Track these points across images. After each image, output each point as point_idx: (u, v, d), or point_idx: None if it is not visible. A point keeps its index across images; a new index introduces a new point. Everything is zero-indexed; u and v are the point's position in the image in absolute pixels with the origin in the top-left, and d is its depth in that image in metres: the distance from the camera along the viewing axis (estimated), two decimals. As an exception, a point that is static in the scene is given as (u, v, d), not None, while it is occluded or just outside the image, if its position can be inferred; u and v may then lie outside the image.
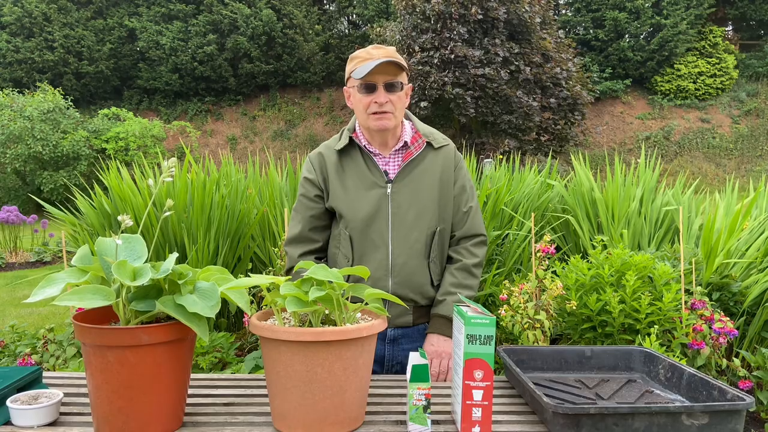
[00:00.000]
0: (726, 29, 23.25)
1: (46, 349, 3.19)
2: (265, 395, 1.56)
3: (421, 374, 1.32)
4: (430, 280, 2.01)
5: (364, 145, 1.99)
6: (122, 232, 1.36)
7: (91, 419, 1.34)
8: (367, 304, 1.41)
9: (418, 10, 15.75)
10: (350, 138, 2.01)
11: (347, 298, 1.39)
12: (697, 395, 1.44)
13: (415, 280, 1.97)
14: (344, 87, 2.03)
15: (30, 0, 20.95)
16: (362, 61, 1.89)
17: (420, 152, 2.01)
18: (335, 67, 22.99)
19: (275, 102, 23.15)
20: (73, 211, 4.31)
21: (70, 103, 16.92)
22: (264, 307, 1.48)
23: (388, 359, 2.04)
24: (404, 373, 2.02)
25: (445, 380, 1.96)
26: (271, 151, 20.02)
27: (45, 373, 1.71)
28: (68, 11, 21.56)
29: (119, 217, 1.26)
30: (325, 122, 22.33)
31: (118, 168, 4.09)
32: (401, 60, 1.90)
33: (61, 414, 1.42)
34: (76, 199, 4.11)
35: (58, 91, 16.83)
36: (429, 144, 2.03)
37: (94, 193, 4.05)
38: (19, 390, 1.46)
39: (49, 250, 9.12)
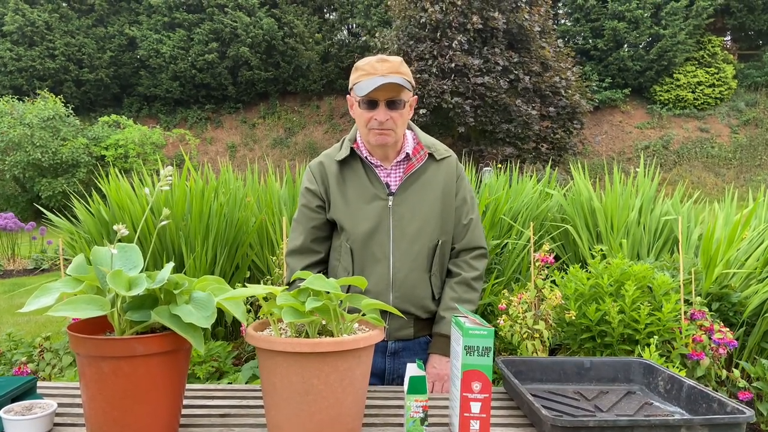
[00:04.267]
0: (725, 39, 23.34)
1: (42, 357, 3.17)
2: (261, 406, 1.55)
3: (418, 386, 1.31)
4: (431, 294, 1.98)
5: (366, 157, 1.96)
6: (118, 241, 1.35)
7: (86, 430, 1.32)
8: (364, 314, 1.40)
9: (413, 21, 15.81)
10: (351, 149, 1.98)
11: (344, 309, 1.38)
12: (697, 408, 1.42)
13: (416, 294, 1.95)
14: (348, 95, 2.00)
15: (32, 8, 21.04)
16: (366, 75, 1.86)
17: (422, 164, 1.98)
18: (335, 76, 23.05)
19: (275, 110, 23.19)
20: (71, 218, 4.30)
21: (71, 111, 16.94)
22: (261, 317, 1.47)
23: (389, 372, 2.02)
24: None
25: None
26: (270, 158, 20.06)
27: (39, 383, 1.69)
28: (69, 19, 21.65)
29: (114, 227, 1.25)
30: (325, 130, 22.36)
31: (117, 175, 4.08)
32: (406, 76, 1.87)
33: (55, 425, 1.41)
34: (74, 206, 4.10)
35: (60, 99, 16.86)
36: (431, 155, 2.00)
37: (92, 201, 4.04)
38: (13, 400, 1.45)
39: (47, 258, 9.09)
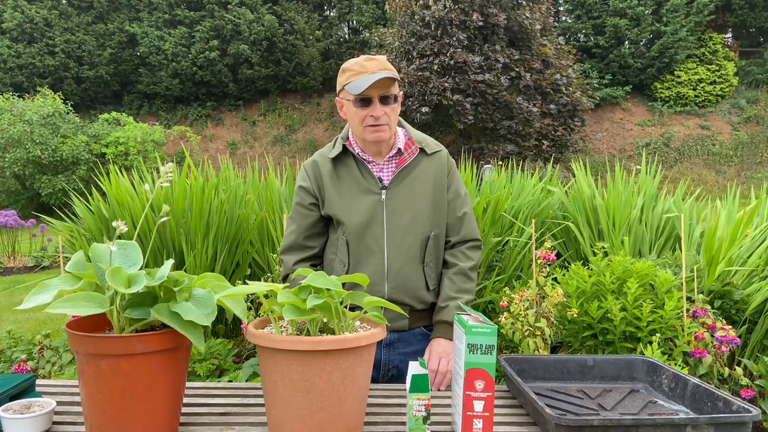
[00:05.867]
0: (726, 36, 23.29)
1: (42, 355, 3.16)
2: (262, 405, 1.53)
3: (420, 384, 1.30)
4: (426, 285, 2.01)
5: (358, 153, 2.01)
6: (118, 238, 1.34)
7: (85, 429, 1.31)
8: (366, 312, 1.38)
9: (417, 17, 15.78)
10: (344, 146, 2.02)
11: (346, 306, 1.37)
12: (702, 406, 1.41)
13: (410, 284, 1.98)
14: (336, 98, 2.03)
15: (31, 5, 21.01)
16: (356, 75, 1.89)
17: (413, 158, 2.03)
18: (335, 73, 22.95)
19: (275, 107, 23.16)
20: (71, 215, 4.29)
21: (70, 108, 16.91)
22: (262, 314, 1.45)
23: (384, 363, 2.04)
24: (400, 377, 2.03)
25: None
26: (270, 156, 20.04)
27: (39, 381, 1.68)
28: (69, 16, 21.61)
29: (113, 223, 1.24)
30: (325, 127, 22.34)
31: (117, 173, 4.06)
32: (395, 73, 1.91)
33: (54, 423, 1.39)
34: (74, 204, 4.09)
35: (59, 95, 16.83)
36: (422, 150, 2.05)
37: (92, 198, 4.03)
38: (12, 398, 1.44)
39: (47, 255, 9.08)
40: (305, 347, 1.20)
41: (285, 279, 2.05)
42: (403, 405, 1.55)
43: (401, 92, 2.01)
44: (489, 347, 1.27)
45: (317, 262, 2.10)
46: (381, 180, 2.00)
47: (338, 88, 1.99)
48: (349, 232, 1.97)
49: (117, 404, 1.21)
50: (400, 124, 2.09)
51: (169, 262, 1.27)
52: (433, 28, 15.61)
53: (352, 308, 1.45)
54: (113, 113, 17.95)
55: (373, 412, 1.49)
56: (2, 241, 9.30)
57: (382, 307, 1.90)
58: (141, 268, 1.27)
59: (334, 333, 1.32)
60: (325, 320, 1.36)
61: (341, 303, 1.33)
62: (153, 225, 3.72)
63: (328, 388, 1.23)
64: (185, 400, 1.54)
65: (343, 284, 1.88)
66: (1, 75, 20.92)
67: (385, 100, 1.90)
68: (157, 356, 1.23)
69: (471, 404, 1.28)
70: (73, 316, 1.68)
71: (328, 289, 1.29)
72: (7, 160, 15.24)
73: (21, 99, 16.57)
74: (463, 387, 1.28)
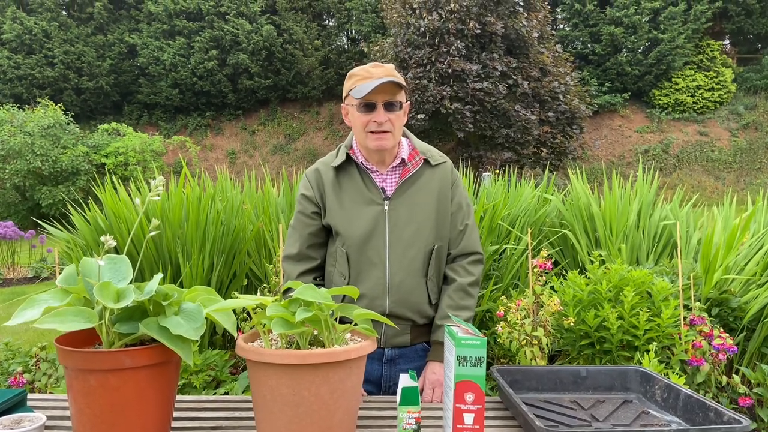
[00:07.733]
0: (723, 43, 23.37)
1: (38, 367, 3.15)
2: (253, 418, 1.53)
3: (410, 397, 1.29)
4: (428, 299, 1.98)
5: (362, 162, 1.98)
6: (115, 251, 1.33)
7: (74, 444, 1.31)
8: (356, 324, 1.38)
9: (411, 28, 15.85)
10: (347, 155, 1.99)
11: (336, 319, 1.37)
12: (694, 417, 1.40)
13: (412, 299, 1.94)
14: (342, 104, 2.01)
15: (30, 17, 21.12)
16: (361, 80, 1.88)
17: (417, 169, 1.99)
18: (334, 82, 23.10)
19: (275, 116, 23.22)
20: (69, 227, 4.28)
21: (71, 119, 16.96)
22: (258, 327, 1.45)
23: (385, 380, 2.01)
24: None
25: None
26: (270, 165, 20.08)
27: (31, 395, 1.68)
28: (68, 27, 21.73)
29: (102, 238, 1.24)
30: (325, 136, 22.38)
31: (113, 183, 4.06)
32: (401, 79, 1.89)
33: (44, 438, 1.39)
34: (72, 215, 4.09)
35: (59, 107, 16.88)
36: (426, 161, 2.02)
37: (89, 209, 4.03)
38: (2, 413, 1.43)
39: (46, 266, 9.08)
40: (294, 361, 1.20)
41: (285, 291, 1.99)
42: (394, 418, 1.54)
43: (408, 102, 1.99)
44: (478, 359, 1.26)
45: (320, 274, 2.06)
46: (384, 190, 1.96)
47: (344, 94, 1.97)
48: (349, 244, 1.93)
49: (106, 419, 1.21)
50: (404, 134, 2.06)
51: (158, 276, 1.26)
52: (428, 38, 15.67)
53: (344, 321, 1.45)
54: (113, 123, 17.99)
55: (363, 425, 1.49)
56: (2, 252, 9.30)
57: (383, 324, 1.90)
58: (131, 282, 1.27)
59: (324, 346, 1.31)
60: (315, 333, 1.35)
61: (331, 315, 1.33)
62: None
63: (318, 401, 1.22)
64: (177, 414, 1.54)
65: (342, 298, 1.88)
66: (0, 86, 21.00)
67: (389, 106, 1.87)
68: (145, 371, 1.22)
69: (461, 417, 1.27)
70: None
71: (318, 302, 1.28)
72: (7, 171, 15.27)
73: (21, 110, 16.62)
74: (453, 399, 1.28)
